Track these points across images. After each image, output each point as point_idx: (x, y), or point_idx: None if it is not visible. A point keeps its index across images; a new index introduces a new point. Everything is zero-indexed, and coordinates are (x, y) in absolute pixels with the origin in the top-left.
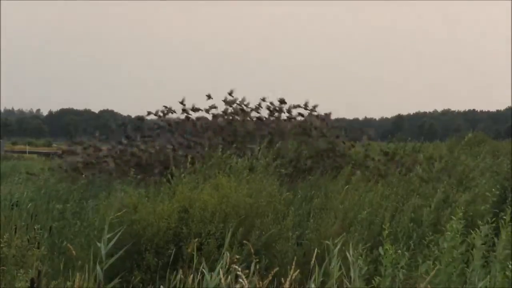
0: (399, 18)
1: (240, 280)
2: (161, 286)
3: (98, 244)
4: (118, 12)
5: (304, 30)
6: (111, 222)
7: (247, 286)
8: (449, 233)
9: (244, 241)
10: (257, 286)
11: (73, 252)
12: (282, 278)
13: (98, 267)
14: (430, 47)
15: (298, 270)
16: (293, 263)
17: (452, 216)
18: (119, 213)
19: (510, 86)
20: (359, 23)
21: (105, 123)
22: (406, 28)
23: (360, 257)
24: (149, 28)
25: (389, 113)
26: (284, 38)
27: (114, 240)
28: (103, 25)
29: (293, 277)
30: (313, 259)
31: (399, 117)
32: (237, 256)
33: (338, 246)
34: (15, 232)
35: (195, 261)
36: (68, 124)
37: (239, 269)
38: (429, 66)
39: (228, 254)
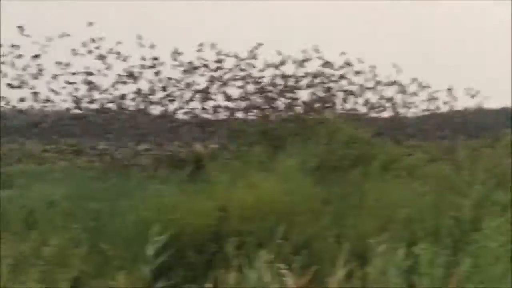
0: None
1: (281, 278)
2: (205, 285)
3: (140, 244)
4: None
5: None
6: (148, 220)
7: (288, 283)
8: (488, 231)
9: (283, 240)
10: (297, 284)
11: (112, 252)
12: (325, 277)
13: (144, 268)
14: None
15: (345, 269)
16: (337, 262)
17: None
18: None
19: None
20: None
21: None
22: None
23: (400, 255)
24: None
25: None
26: None
27: (161, 241)
28: None
29: (339, 276)
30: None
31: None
32: (277, 254)
33: (381, 245)
34: (53, 231)
35: (235, 259)
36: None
37: (281, 266)
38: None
39: (268, 252)
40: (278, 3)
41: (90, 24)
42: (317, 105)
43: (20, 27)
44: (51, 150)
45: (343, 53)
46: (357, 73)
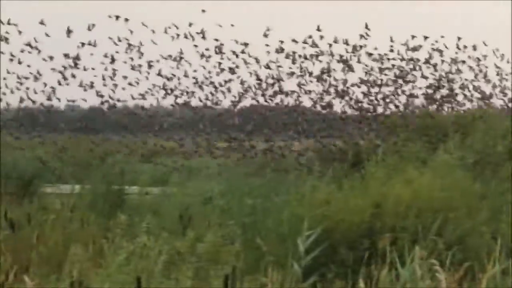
0: None
1: (433, 274)
2: (360, 280)
3: (293, 240)
4: None
5: None
6: (302, 216)
7: (442, 279)
8: None
9: (437, 236)
10: (451, 280)
11: (266, 248)
12: (477, 273)
13: (295, 264)
14: None
15: (499, 266)
16: (491, 259)
17: None
18: (317, 210)
19: None
20: None
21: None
22: None
23: None
24: None
25: None
26: None
27: (313, 237)
28: None
29: (493, 272)
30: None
31: None
32: (431, 251)
33: None
34: (209, 227)
35: (388, 255)
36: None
37: (437, 262)
38: None
39: (421, 249)
40: None
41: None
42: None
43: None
44: (208, 146)
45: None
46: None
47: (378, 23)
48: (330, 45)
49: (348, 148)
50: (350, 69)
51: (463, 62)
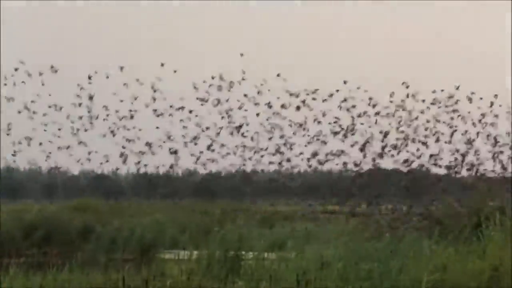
0: None
1: None
2: None
3: None
4: None
5: None
6: (419, 280)
7: None
8: None
9: None
10: None
11: None
12: None
13: None
14: None
15: None
16: None
17: None
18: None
19: None
20: None
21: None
22: None
23: None
24: None
25: None
26: None
27: None
28: None
29: None
30: None
31: None
32: None
33: None
34: None
35: None
36: (378, 184)
37: None
38: None
39: None
40: None
41: None
42: None
43: None
44: (324, 211)
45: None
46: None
47: None
48: None
49: (466, 212)
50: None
51: None
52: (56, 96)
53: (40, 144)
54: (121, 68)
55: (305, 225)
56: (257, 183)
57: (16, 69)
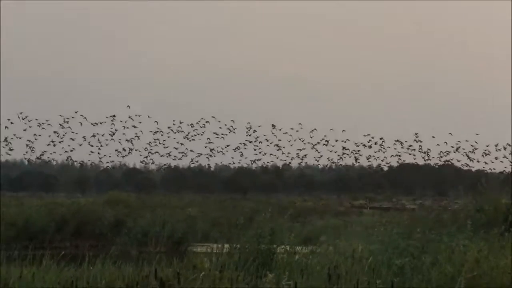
0: None
1: None
2: None
3: None
4: None
5: None
6: (445, 273)
7: None
8: None
9: None
10: None
11: None
12: None
13: None
14: None
15: None
16: None
17: None
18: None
19: None
20: None
21: (445, 178)
22: None
23: None
24: None
25: None
26: None
27: None
28: None
29: None
30: None
31: None
32: None
33: None
34: (357, 286)
35: None
36: (406, 179)
37: None
38: None
39: None
40: None
41: None
42: None
43: None
44: (355, 205)
45: None
46: None
47: None
48: None
49: (501, 208)
50: None
51: None
52: None
53: (72, 139)
54: None
55: (336, 220)
56: (289, 177)
57: None
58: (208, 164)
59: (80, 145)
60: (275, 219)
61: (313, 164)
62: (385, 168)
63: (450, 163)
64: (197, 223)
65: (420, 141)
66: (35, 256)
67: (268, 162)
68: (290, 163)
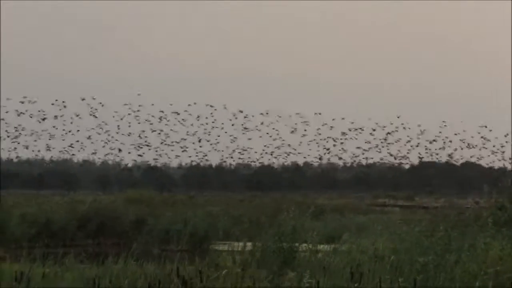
0: None
1: None
2: None
3: None
4: None
5: None
6: (469, 271)
7: None
8: None
9: None
10: None
11: None
12: None
13: None
14: None
15: None
16: None
17: None
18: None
19: None
20: None
21: (466, 176)
22: None
23: None
24: None
25: None
26: None
27: None
28: None
29: None
30: None
31: None
32: None
33: None
34: (380, 284)
35: None
36: (428, 177)
37: None
38: None
39: None
40: None
41: None
42: None
43: None
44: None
45: None
46: None
47: None
48: None
49: None
50: None
51: None
52: None
53: (89, 137)
54: None
55: (358, 218)
56: (310, 176)
57: None
58: (230, 163)
59: (103, 146)
60: (297, 217)
61: (335, 162)
62: (407, 166)
63: (474, 161)
64: (219, 221)
65: (446, 138)
66: (57, 254)
67: (288, 159)
68: (312, 161)
